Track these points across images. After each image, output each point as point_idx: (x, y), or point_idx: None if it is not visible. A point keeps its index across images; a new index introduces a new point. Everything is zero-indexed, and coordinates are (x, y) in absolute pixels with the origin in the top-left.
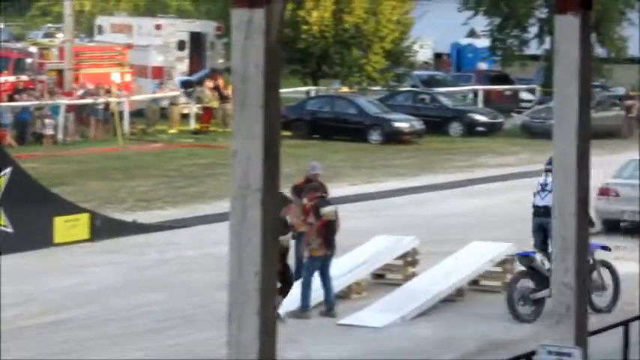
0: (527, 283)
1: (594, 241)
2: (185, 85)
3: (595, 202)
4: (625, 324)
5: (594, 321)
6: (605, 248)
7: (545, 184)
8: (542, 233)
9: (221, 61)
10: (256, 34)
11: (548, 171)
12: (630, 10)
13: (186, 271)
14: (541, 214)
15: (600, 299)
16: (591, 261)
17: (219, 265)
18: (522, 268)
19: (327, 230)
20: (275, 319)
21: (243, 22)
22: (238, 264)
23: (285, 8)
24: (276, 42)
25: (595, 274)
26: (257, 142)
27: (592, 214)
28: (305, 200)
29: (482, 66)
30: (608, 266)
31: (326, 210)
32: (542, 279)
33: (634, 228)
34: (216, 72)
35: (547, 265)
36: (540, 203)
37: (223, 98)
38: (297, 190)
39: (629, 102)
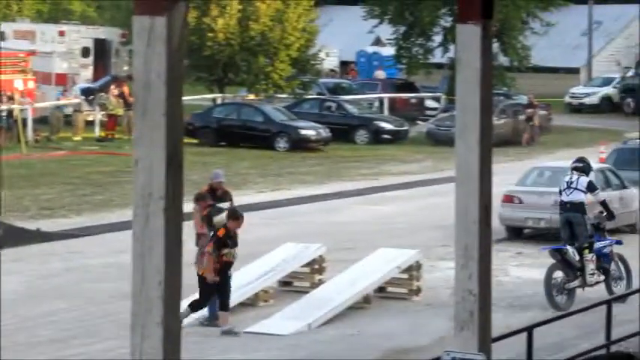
0: (560, 275)
1: (611, 237)
2: (86, 92)
3: (499, 209)
4: (529, 329)
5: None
6: (619, 242)
7: (571, 182)
8: (569, 227)
9: (126, 68)
10: (158, 41)
11: (574, 169)
12: (533, 19)
13: (90, 280)
14: (567, 209)
15: (617, 289)
16: (611, 254)
17: (124, 274)
18: (554, 261)
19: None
20: (180, 328)
21: (145, 30)
22: (141, 273)
23: (188, 16)
24: (178, 50)
25: (614, 266)
26: (159, 150)
27: (496, 221)
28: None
29: (381, 74)
30: (621, 259)
31: (217, 219)
32: (573, 270)
33: (537, 235)
34: (118, 79)
35: (577, 257)
36: (566, 199)
37: (128, 105)
38: (202, 199)
39: (530, 110)
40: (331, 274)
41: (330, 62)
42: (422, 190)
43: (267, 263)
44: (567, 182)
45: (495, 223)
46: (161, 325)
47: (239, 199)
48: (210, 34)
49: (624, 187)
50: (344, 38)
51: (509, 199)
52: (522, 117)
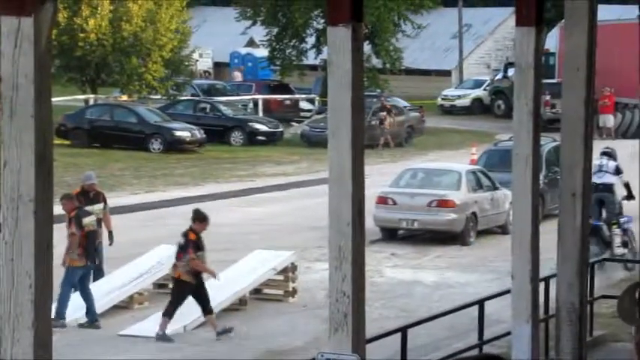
0: (594, 249)
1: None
2: None
3: (373, 210)
4: (403, 330)
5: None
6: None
7: (601, 165)
8: (599, 206)
9: None
10: (25, 42)
11: (603, 154)
12: (404, 21)
13: None
14: (600, 190)
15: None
16: (630, 231)
17: None
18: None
19: (88, 241)
20: (51, 332)
21: (12, 31)
22: (11, 276)
23: (56, 16)
24: (46, 51)
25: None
26: (28, 151)
27: (370, 222)
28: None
29: (238, 75)
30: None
31: (87, 220)
32: (604, 243)
33: (411, 235)
34: None
35: (607, 231)
36: (598, 181)
37: None
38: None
39: (383, 114)
40: (207, 276)
41: (204, 63)
42: (297, 191)
43: (142, 265)
44: (598, 165)
45: (370, 224)
46: (32, 329)
47: (114, 200)
48: (81, 35)
49: (495, 188)
50: (218, 39)
51: (383, 200)
52: (375, 121)
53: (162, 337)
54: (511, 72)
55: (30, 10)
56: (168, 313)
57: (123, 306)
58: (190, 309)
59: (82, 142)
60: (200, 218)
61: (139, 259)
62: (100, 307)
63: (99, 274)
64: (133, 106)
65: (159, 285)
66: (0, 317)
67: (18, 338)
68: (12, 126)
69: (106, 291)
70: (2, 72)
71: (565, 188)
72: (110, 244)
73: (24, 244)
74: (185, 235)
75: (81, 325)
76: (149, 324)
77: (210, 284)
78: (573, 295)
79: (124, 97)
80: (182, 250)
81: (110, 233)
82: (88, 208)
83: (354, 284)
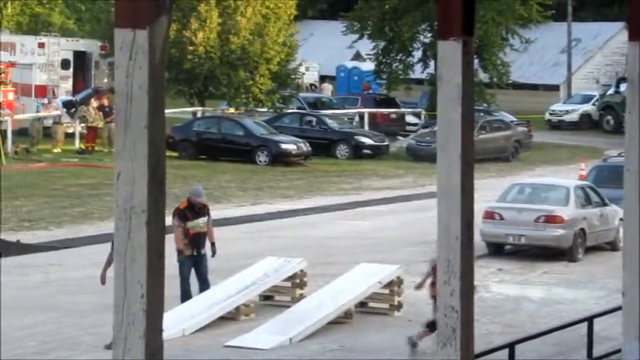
0: None
1: None
2: (67, 105)
3: (480, 225)
4: (510, 346)
5: None
6: None
7: None
8: None
9: (106, 80)
10: (140, 54)
11: None
12: (512, 36)
13: (69, 293)
14: None
15: None
16: None
17: (103, 287)
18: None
19: (196, 237)
20: (162, 341)
21: (127, 43)
22: (124, 286)
23: (169, 29)
24: (160, 63)
25: None
26: (142, 163)
27: (477, 237)
28: (188, 224)
29: (328, 88)
30: None
31: (193, 223)
32: None
33: (518, 251)
34: (99, 92)
35: None
36: None
37: (108, 118)
38: (182, 214)
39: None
40: (312, 289)
41: (311, 77)
42: (403, 205)
43: (249, 277)
44: None
45: (477, 239)
46: (143, 338)
47: (220, 212)
48: (190, 48)
49: (604, 204)
50: (324, 53)
51: (490, 215)
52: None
53: (413, 344)
54: (623, 87)
55: (145, 22)
56: (431, 327)
57: (229, 317)
58: (296, 320)
59: (190, 154)
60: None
61: (245, 270)
62: (205, 318)
63: (204, 285)
64: (239, 118)
65: (265, 297)
66: (113, 326)
67: (130, 347)
68: (126, 137)
69: (212, 302)
70: (116, 84)
71: None
72: (212, 256)
73: (137, 254)
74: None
75: None
76: (255, 336)
77: (317, 297)
78: None
79: (231, 110)
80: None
81: (213, 245)
82: (194, 222)
83: (462, 299)
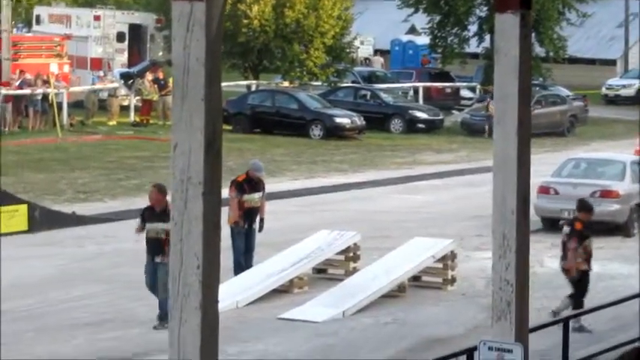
0: None
1: None
2: (125, 77)
3: (535, 201)
4: (565, 321)
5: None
6: None
7: None
8: None
9: (161, 53)
10: (197, 27)
11: None
12: (569, 10)
13: (124, 264)
14: None
15: None
16: None
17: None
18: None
19: (249, 210)
20: (217, 313)
21: (184, 15)
22: (180, 257)
23: (226, 1)
24: (217, 35)
25: None
26: (198, 134)
27: (531, 212)
28: (244, 197)
29: (379, 61)
30: None
31: (248, 197)
32: None
33: None
34: (156, 64)
35: None
36: None
37: (163, 91)
38: (239, 186)
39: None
40: (366, 262)
41: (365, 51)
42: (457, 179)
43: (302, 250)
44: None
45: (531, 214)
46: (199, 309)
47: (274, 186)
48: (245, 21)
49: None
50: (379, 27)
51: (545, 190)
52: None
53: (580, 329)
54: None
55: None
56: (579, 305)
57: (282, 290)
58: (349, 294)
59: (244, 127)
60: (586, 208)
61: (298, 244)
62: (259, 290)
63: (248, 260)
64: (294, 92)
65: (318, 270)
66: (169, 296)
67: (186, 319)
68: (183, 109)
69: (265, 275)
70: (173, 56)
71: None
72: (259, 231)
73: (193, 226)
74: (571, 224)
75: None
76: (308, 308)
77: (370, 270)
78: None
79: (286, 84)
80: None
81: (262, 220)
82: (249, 196)
83: (517, 273)
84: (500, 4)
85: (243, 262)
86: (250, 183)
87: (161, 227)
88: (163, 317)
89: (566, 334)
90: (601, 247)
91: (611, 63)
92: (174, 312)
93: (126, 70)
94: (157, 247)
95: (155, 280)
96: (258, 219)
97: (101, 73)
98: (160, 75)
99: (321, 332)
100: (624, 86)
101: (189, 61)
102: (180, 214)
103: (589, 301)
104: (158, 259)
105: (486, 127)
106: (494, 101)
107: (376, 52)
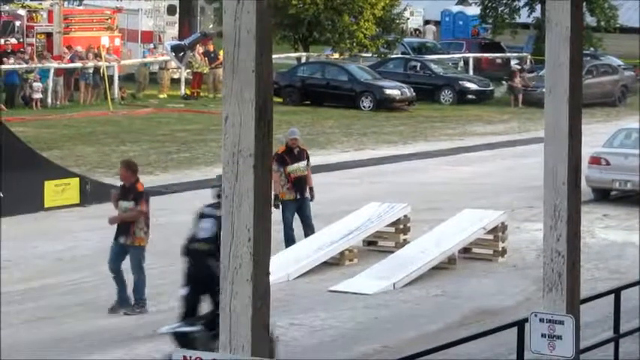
0: None
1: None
2: (176, 49)
3: (586, 171)
4: (616, 292)
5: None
6: None
7: None
8: None
9: (212, 26)
10: None
11: None
12: None
13: (176, 237)
14: None
15: None
16: None
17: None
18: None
19: (297, 180)
20: (269, 285)
21: None
22: (231, 230)
23: None
24: (267, 7)
25: None
26: (249, 106)
27: (582, 182)
28: (289, 168)
29: (432, 30)
30: None
31: (294, 167)
32: None
33: (624, 197)
34: (207, 36)
35: None
36: None
37: (213, 63)
38: (280, 158)
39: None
40: (416, 234)
41: (415, 21)
42: (507, 151)
43: (352, 222)
44: None
45: (582, 185)
46: (251, 281)
47: (324, 158)
48: None
49: None
50: None
51: (596, 160)
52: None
53: None
54: None
55: None
56: None
57: (333, 263)
58: (399, 266)
59: (294, 99)
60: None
61: (348, 216)
62: (309, 263)
63: (309, 229)
64: (344, 64)
65: (369, 242)
66: (221, 269)
67: (237, 291)
68: (234, 81)
69: (316, 247)
70: (224, 28)
71: None
72: (311, 200)
73: (243, 198)
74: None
75: None
76: (359, 281)
77: (420, 242)
78: None
79: (336, 55)
80: None
81: (311, 189)
82: (294, 166)
83: (569, 244)
84: None
85: (292, 235)
86: (291, 153)
87: (125, 205)
88: (138, 302)
89: (617, 306)
90: None
91: None
92: (226, 285)
93: (177, 42)
94: (122, 227)
95: (119, 263)
96: (307, 188)
97: (152, 46)
98: (211, 47)
99: (372, 304)
100: None
101: (239, 34)
102: (231, 186)
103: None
104: (122, 240)
105: (512, 99)
106: (546, 71)
107: (427, 22)
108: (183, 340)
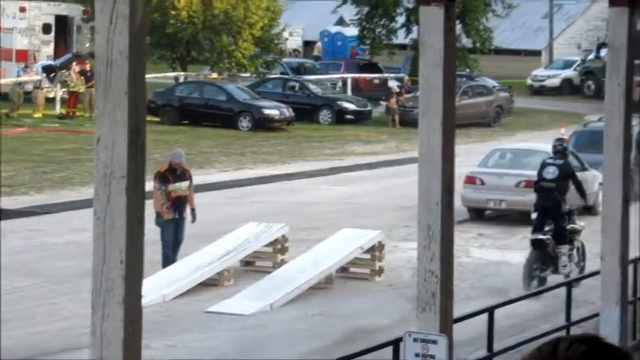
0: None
1: None
2: (47, 70)
3: (461, 191)
4: (490, 310)
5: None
6: None
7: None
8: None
9: (88, 45)
10: (120, 19)
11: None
12: (495, 1)
13: (50, 258)
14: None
15: None
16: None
17: (84, 252)
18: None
19: (177, 200)
20: (141, 308)
21: (108, 7)
22: (103, 251)
23: None
24: (142, 28)
25: None
26: (122, 128)
27: (458, 202)
28: (170, 187)
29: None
30: None
31: (175, 186)
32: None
33: (498, 216)
34: (80, 56)
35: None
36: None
37: (89, 82)
38: (162, 177)
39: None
40: (294, 254)
41: (294, 42)
42: (385, 170)
43: (230, 243)
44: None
45: (457, 204)
46: (122, 304)
47: (202, 178)
48: (173, 12)
49: (584, 169)
50: (308, 18)
51: (471, 180)
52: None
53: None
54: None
55: None
56: None
57: (211, 283)
58: (277, 286)
59: (172, 119)
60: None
61: (226, 236)
62: (187, 283)
63: (175, 250)
64: (222, 83)
65: (246, 262)
66: (92, 292)
67: (108, 314)
68: (106, 102)
69: (193, 268)
70: (97, 48)
71: None
72: (192, 222)
73: (116, 220)
74: None
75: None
76: (236, 301)
77: (298, 262)
78: None
79: (214, 75)
80: None
81: (193, 210)
82: (176, 185)
83: (442, 264)
84: None
85: (171, 254)
86: (174, 173)
87: (184, 185)
88: None
89: (491, 324)
90: (525, 236)
91: (537, 54)
92: (97, 308)
93: (48, 62)
94: (183, 203)
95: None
96: (188, 209)
97: (25, 65)
98: (87, 67)
99: (249, 325)
100: (549, 77)
101: (112, 55)
102: (102, 208)
103: (514, 291)
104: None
105: (389, 119)
106: (420, 93)
107: (307, 43)
108: (538, 243)
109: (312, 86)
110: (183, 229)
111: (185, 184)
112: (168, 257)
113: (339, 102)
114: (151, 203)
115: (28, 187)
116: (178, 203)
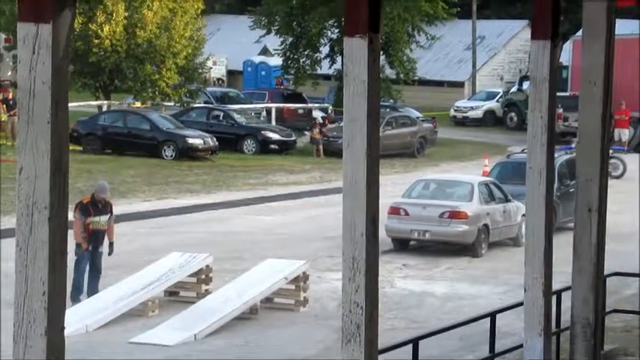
0: None
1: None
2: None
3: (385, 221)
4: (414, 341)
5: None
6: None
7: None
8: None
9: (10, 73)
10: (43, 49)
11: None
12: (418, 32)
13: None
14: None
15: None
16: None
17: (6, 282)
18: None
19: (95, 233)
20: (64, 339)
21: (30, 37)
22: (25, 283)
23: (74, 23)
24: (64, 58)
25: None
26: (44, 158)
27: (382, 232)
28: (89, 219)
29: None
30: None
31: (95, 219)
32: None
33: (422, 246)
34: (2, 85)
35: None
36: None
37: (11, 111)
38: (84, 208)
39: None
40: (218, 284)
41: (218, 71)
42: (309, 200)
43: (153, 273)
44: None
45: (381, 235)
46: (44, 336)
47: (125, 207)
48: (96, 41)
49: (507, 200)
50: (232, 47)
51: (395, 210)
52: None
53: None
54: (526, 85)
55: (49, 16)
56: None
57: (135, 314)
58: (201, 316)
59: (95, 148)
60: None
61: (150, 266)
62: (110, 314)
63: (94, 283)
64: (146, 112)
65: (170, 293)
66: (13, 323)
67: (31, 345)
68: (28, 132)
69: (116, 298)
70: (19, 78)
71: (581, 203)
72: (109, 255)
73: (38, 251)
74: None
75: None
76: (159, 332)
77: (222, 292)
78: (588, 310)
79: (138, 104)
80: None
81: (111, 244)
82: (95, 218)
83: (367, 295)
84: (348, 28)
85: (82, 284)
86: (96, 205)
87: (104, 219)
88: None
89: (415, 355)
90: (449, 267)
91: (460, 85)
92: (19, 339)
93: None
94: (100, 237)
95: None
96: (107, 242)
97: None
98: (10, 95)
99: (173, 355)
100: (472, 108)
101: (34, 85)
102: (25, 239)
103: (437, 322)
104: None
105: (314, 149)
106: (344, 124)
107: (230, 72)
108: None
109: (236, 115)
110: (99, 261)
111: (105, 217)
112: (80, 288)
113: (263, 132)
114: (72, 233)
115: None
116: (94, 236)
